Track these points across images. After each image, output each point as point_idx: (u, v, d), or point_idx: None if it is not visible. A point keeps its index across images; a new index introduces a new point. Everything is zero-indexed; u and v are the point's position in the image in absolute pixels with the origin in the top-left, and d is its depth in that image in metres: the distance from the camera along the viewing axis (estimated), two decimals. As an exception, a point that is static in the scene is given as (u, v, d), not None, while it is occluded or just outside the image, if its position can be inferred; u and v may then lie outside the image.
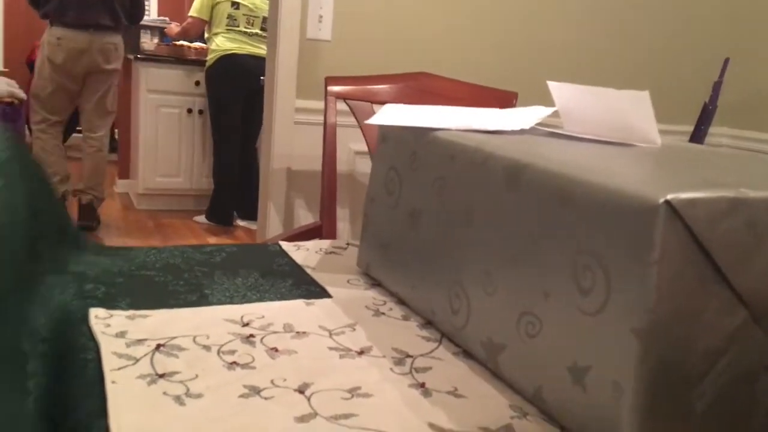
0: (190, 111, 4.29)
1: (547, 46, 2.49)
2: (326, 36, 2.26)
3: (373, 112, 1.83)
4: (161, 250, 0.98)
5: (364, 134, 1.82)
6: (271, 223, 2.33)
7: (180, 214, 4.26)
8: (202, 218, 4.13)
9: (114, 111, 3.82)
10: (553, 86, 0.95)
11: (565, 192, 0.59)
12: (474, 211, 0.72)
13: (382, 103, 1.84)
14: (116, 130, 5.74)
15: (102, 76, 3.57)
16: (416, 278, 0.84)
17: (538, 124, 0.90)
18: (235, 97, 3.92)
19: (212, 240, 3.84)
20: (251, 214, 4.13)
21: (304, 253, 1.05)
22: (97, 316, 0.74)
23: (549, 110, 0.92)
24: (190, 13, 3.98)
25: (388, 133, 0.94)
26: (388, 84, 1.86)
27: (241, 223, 4.15)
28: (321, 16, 2.25)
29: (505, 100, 1.90)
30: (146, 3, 4.99)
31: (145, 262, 0.94)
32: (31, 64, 5.85)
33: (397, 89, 1.87)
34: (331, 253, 1.07)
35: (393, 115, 0.95)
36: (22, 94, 5.64)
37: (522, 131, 0.86)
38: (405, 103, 1.38)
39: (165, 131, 4.28)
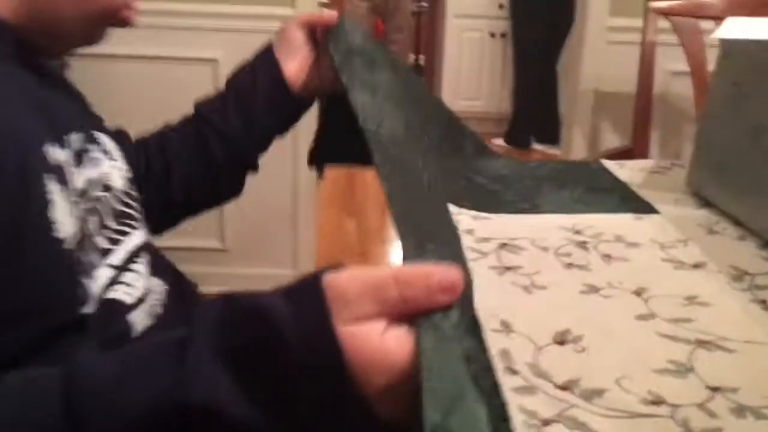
0: (492, 35, 4.35)
1: None
2: (646, -51, 2.14)
3: (699, 29, 1.72)
4: (490, 160, 1.06)
5: (686, 52, 1.72)
6: (575, 146, 2.32)
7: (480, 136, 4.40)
8: (500, 141, 4.23)
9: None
10: None
11: None
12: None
13: (711, 18, 1.72)
14: (421, 56, 6.05)
15: None
16: (757, 198, 0.81)
17: None
18: (539, 19, 3.89)
19: (510, 162, 3.92)
20: (549, 138, 4.14)
21: (628, 172, 1.06)
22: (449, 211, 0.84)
23: None
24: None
25: (731, 47, 0.90)
26: (718, -3, 1.72)
27: (538, 146, 4.18)
28: (642, -73, 2.12)
29: None
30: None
31: (477, 168, 1.02)
32: None
33: (728, 2, 1.72)
34: (655, 172, 1.06)
35: (738, 28, 0.90)
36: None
37: None
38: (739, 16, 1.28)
39: (468, 55, 4.41)
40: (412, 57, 6.49)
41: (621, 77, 2.18)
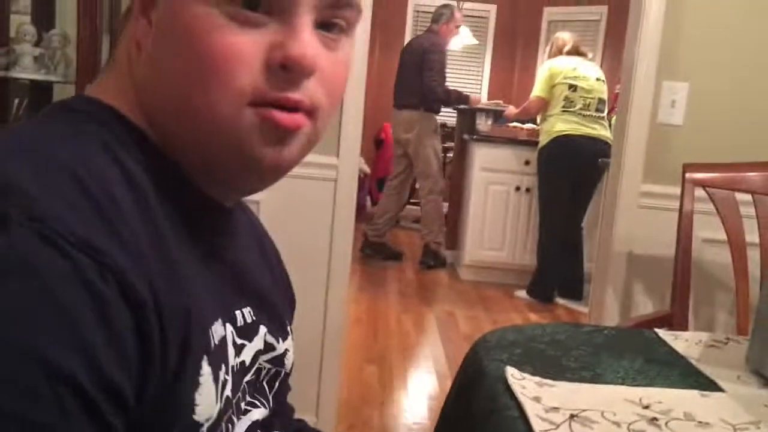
0: (518, 188, 4.47)
1: None
2: (678, 121, 2.24)
3: (736, 200, 1.76)
4: (545, 326, 1.06)
5: (723, 222, 1.75)
6: (607, 307, 2.31)
7: (502, 288, 4.41)
8: (523, 293, 4.23)
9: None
10: None
11: None
12: None
13: (747, 191, 1.77)
14: (446, 204, 6.20)
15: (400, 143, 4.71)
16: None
17: None
18: (565, 176, 4.00)
19: (533, 317, 3.90)
20: (572, 293, 4.13)
21: (684, 344, 1.05)
22: (513, 375, 0.83)
23: None
24: (533, 94, 4.17)
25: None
26: (755, 172, 1.77)
27: (561, 301, 4.16)
28: (674, 101, 2.23)
29: None
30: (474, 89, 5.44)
31: (533, 335, 1.02)
32: (378, 142, 6.63)
33: (765, 177, 1.77)
34: (711, 346, 1.06)
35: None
36: (367, 169, 6.40)
37: None
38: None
39: (493, 207, 4.51)
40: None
41: (654, 241, 2.21)
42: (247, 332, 0.62)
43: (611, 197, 2.36)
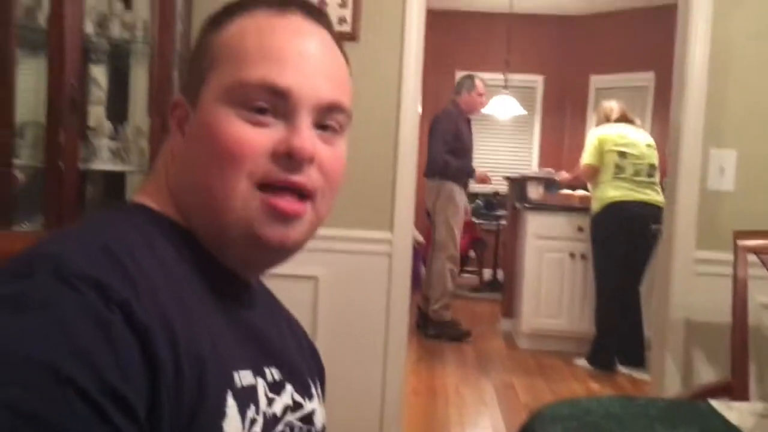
0: (572, 255, 4.46)
1: None
2: (728, 187, 2.26)
3: (790, 267, 1.76)
4: (600, 399, 1.09)
5: (779, 289, 1.75)
6: (668, 376, 2.29)
7: (561, 356, 4.35)
8: (582, 361, 4.17)
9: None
10: None
11: None
12: None
13: (801, 257, 1.76)
14: (500, 271, 6.20)
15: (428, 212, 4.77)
16: None
17: None
18: (619, 243, 3.99)
19: (594, 386, 3.84)
20: (634, 361, 4.05)
21: (737, 415, 1.07)
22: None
23: None
24: (583, 161, 4.21)
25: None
26: (808, 238, 1.78)
27: (622, 369, 4.08)
28: (723, 168, 2.26)
29: None
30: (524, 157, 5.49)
31: (588, 408, 1.05)
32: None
33: (818, 243, 1.77)
34: (765, 416, 1.07)
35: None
36: (420, 238, 6.47)
37: None
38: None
39: (548, 274, 4.50)
40: (489, 272, 6.67)
41: (711, 307, 2.20)
42: (275, 388, 0.70)
43: (665, 264, 2.37)
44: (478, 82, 4.68)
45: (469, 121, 4.74)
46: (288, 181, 0.67)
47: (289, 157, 0.66)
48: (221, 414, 0.61)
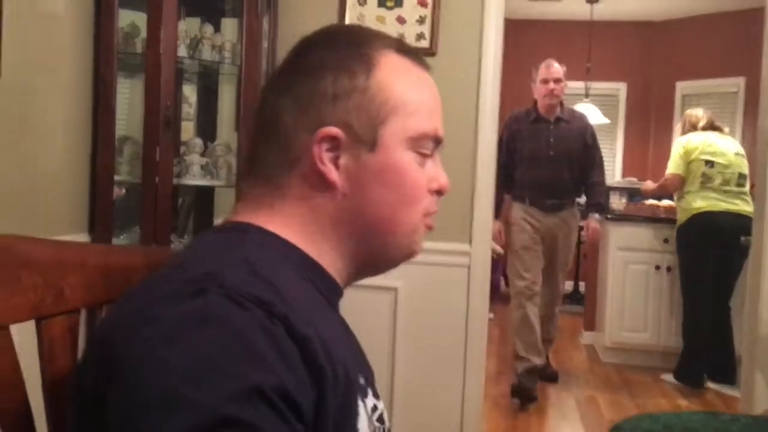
0: (658, 267, 4.35)
1: None
2: (823, 198, 2.17)
3: None
4: (680, 414, 1.08)
5: None
6: (758, 393, 2.21)
7: (646, 371, 4.24)
8: (669, 377, 4.05)
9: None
10: None
11: None
12: None
13: None
14: (581, 283, 6.08)
15: None
16: None
17: None
18: (707, 254, 3.86)
19: (682, 402, 3.72)
20: (724, 377, 3.91)
21: (827, 433, 1.04)
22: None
23: None
24: (668, 171, 4.10)
25: None
26: None
27: (712, 385, 3.94)
28: (816, 178, 2.17)
29: None
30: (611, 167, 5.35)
31: (668, 423, 1.05)
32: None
33: None
34: None
35: None
36: (500, 249, 6.42)
37: None
38: None
39: (632, 287, 4.39)
40: (570, 284, 6.55)
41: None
42: (364, 389, 0.75)
43: (755, 277, 2.30)
44: (541, 69, 3.70)
45: (547, 123, 3.68)
46: (435, 211, 0.81)
47: (440, 193, 0.81)
48: (356, 413, 0.67)
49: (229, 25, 2.32)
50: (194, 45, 2.23)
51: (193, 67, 2.41)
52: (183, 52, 2.17)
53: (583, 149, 3.74)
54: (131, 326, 0.60)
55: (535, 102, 3.75)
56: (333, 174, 0.74)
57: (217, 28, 2.30)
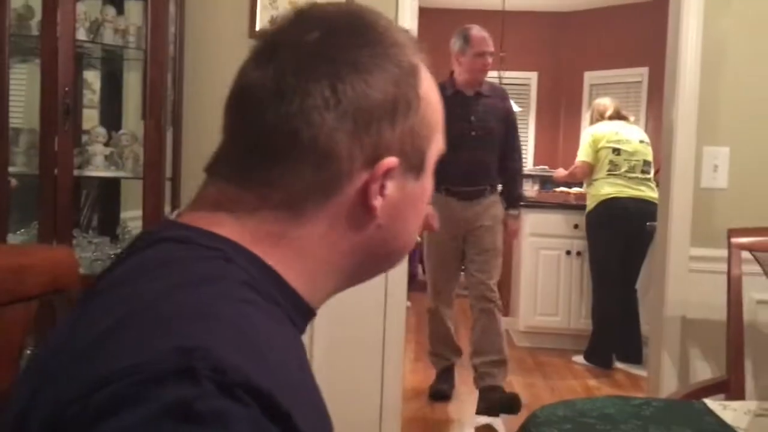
0: (568, 253, 4.47)
1: None
2: (722, 185, 2.26)
3: (784, 264, 1.77)
4: (595, 400, 1.10)
5: (773, 286, 1.76)
6: (664, 372, 2.30)
7: (558, 353, 4.37)
8: (580, 358, 4.18)
9: None
10: None
11: None
12: None
13: (795, 254, 1.77)
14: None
15: None
16: None
17: None
18: (614, 239, 4.00)
19: (592, 383, 3.85)
20: (631, 357, 4.07)
21: (732, 414, 1.07)
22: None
23: None
24: (578, 159, 4.21)
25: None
26: (801, 235, 1.79)
27: (620, 365, 4.10)
28: (716, 166, 2.27)
29: None
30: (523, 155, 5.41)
31: (583, 409, 1.06)
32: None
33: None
34: (760, 415, 1.07)
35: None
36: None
37: None
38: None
39: (544, 272, 4.51)
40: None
41: (707, 304, 2.21)
42: None
43: (660, 261, 2.38)
44: (474, 34, 3.19)
45: (467, 99, 3.21)
46: None
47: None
48: None
49: (133, 7, 2.21)
50: (95, 28, 2.11)
51: (96, 51, 2.28)
52: (83, 35, 2.05)
53: (505, 129, 3.29)
54: (99, 407, 0.47)
55: (451, 73, 3.27)
56: (380, 207, 0.63)
57: (120, 11, 2.18)
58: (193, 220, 0.62)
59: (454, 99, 3.16)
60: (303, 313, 0.64)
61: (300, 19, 0.64)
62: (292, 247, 0.62)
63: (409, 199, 0.66)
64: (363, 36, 0.63)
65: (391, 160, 0.62)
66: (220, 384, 0.47)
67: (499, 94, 3.39)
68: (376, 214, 0.63)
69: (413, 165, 0.65)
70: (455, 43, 3.24)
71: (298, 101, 0.60)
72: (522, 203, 3.66)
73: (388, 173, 0.62)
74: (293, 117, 0.60)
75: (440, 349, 3.48)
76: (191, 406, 0.46)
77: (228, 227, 0.61)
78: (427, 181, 0.68)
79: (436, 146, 0.68)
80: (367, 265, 0.68)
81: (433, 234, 3.22)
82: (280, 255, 0.62)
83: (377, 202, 0.62)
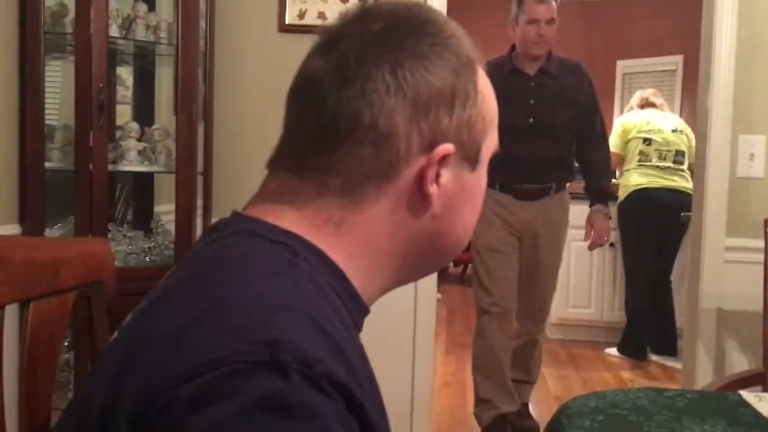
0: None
1: None
2: (758, 174, 2.22)
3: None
4: (627, 391, 1.09)
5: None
6: (700, 365, 2.27)
7: (591, 345, 4.33)
8: (613, 350, 4.14)
9: None
10: None
11: None
12: None
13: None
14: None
15: None
16: None
17: None
18: (648, 230, 3.94)
19: (626, 375, 3.81)
20: (665, 349, 4.02)
21: (767, 405, 1.06)
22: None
23: None
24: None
25: None
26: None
27: (654, 357, 4.05)
28: (752, 154, 2.22)
29: None
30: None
31: (615, 401, 1.05)
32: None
33: None
34: (797, 407, 1.06)
35: None
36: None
37: None
38: None
39: (576, 264, 4.47)
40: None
41: (742, 296, 2.18)
42: None
43: (695, 252, 2.34)
44: (527, 3, 2.61)
45: (527, 78, 2.66)
46: None
47: None
48: None
49: (164, 3, 2.23)
50: (127, 25, 2.14)
51: (128, 48, 2.31)
52: (115, 31, 2.08)
53: (577, 115, 2.70)
54: (190, 400, 0.47)
55: (513, 47, 2.71)
56: (435, 195, 0.64)
57: (151, 7, 2.21)
58: (258, 212, 0.64)
59: (511, 78, 2.62)
60: (359, 309, 0.65)
61: (363, 13, 0.66)
62: (352, 235, 0.63)
63: (465, 192, 0.67)
64: (423, 27, 0.64)
65: (447, 147, 0.63)
66: (307, 376, 0.48)
67: (572, 71, 2.76)
68: (431, 201, 0.64)
69: (469, 156, 0.66)
70: (512, 10, 2.68)
71: (359, 85, 0.61)
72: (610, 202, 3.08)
73: (444, 160, 0.63)
74: (354, 100, 0.61)
75: (490, 395, 2.73)
76: (282, 399, 0.47)
77: (288, 218, 0.62)
78: (483, 177, 0.69)
79: (491, 142, 0.69)
80: (420, 259, 0.68)
81: (482, 237, 2.68)
82: (340, 246, 0.63)
83: (433, 189, 0.63)
